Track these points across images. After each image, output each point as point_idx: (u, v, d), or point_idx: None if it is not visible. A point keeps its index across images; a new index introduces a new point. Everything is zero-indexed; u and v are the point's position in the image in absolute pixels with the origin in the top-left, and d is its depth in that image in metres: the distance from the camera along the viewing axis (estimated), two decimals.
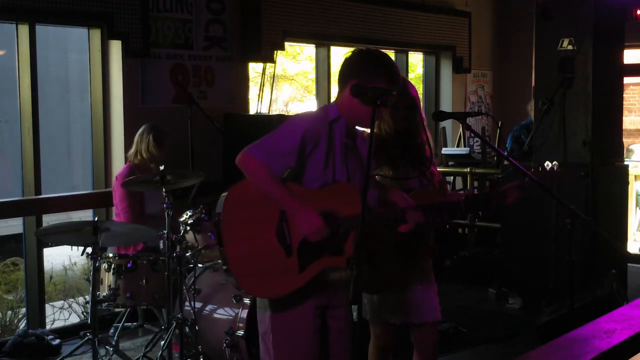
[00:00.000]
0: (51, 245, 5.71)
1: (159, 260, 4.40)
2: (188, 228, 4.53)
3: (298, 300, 2.80)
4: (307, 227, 2.73)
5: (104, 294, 4.35)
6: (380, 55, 2.88)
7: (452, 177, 8.27)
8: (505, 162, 6.30)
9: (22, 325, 5.77)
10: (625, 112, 6.82)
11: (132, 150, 5.17)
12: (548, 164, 3.25)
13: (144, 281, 4.36)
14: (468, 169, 7.35)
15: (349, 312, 3.01)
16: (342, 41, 7.44)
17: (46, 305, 5.71)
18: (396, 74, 2.83)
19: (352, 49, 2.97)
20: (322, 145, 2.80)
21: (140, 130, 5.17)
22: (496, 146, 6.94)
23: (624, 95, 6.31)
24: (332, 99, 8.24)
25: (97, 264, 4.16)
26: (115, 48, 5.74)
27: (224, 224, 2.72)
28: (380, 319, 3.60)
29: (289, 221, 2.75)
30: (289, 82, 13.51)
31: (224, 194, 2.77)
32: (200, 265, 4.61)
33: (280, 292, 2.76)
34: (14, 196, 5.71)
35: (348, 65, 2.88)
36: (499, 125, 7.94)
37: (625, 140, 6.60)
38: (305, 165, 2.80)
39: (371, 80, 2.77)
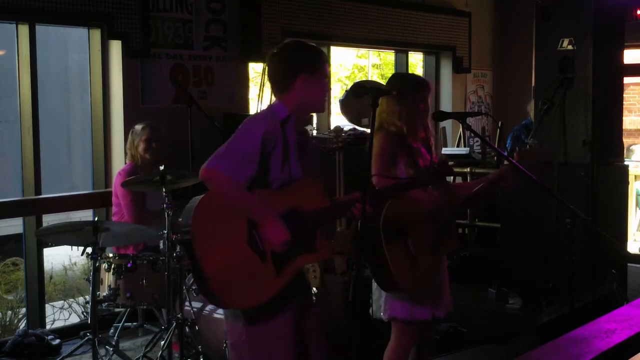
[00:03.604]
0: (51, 245, 5.71)
1: (159, 260, 4.41)
2: None
3: (278, 305, 2.75)
4: (274, 238, 2.70)
5: (104, 294, 4.35)
6: (307, 44, 3.00)
7: (452, 177, 8.26)
8: (505, 162, 6.29)
9: (22, 325, 5.76)
10: (625, 112, 6.80)
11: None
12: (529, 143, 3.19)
13: (144, 281, 4.37)
14: (468, 169, 7.35)
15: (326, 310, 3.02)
16: (342, 41, 7.43)
17: (46, 305, 5.70)
18: (324, 53, 2.99)
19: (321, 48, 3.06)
20: (279, 145, 2.79)
21: None
22: (496, 146, 6.93)
23: (624, 95, 6.30)
24: (333, 98, 8.26)
25: (97, 264, 4.16)
26: (115, 48, 5.74)
27: (195, 238, 2.64)
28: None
29: (258, 228, 2.71)
30: None
31: (191, 205, 2.69)
32: None
33: (261, 298, 2.70)
34: (14, 196, 5.71)
35: (287, 62, 2.96)
36: (499, 125, 7.93)
37: (625, 140, 6.58)
38: (269, 165, 2.77)
39: (318, 69, 2.89)
